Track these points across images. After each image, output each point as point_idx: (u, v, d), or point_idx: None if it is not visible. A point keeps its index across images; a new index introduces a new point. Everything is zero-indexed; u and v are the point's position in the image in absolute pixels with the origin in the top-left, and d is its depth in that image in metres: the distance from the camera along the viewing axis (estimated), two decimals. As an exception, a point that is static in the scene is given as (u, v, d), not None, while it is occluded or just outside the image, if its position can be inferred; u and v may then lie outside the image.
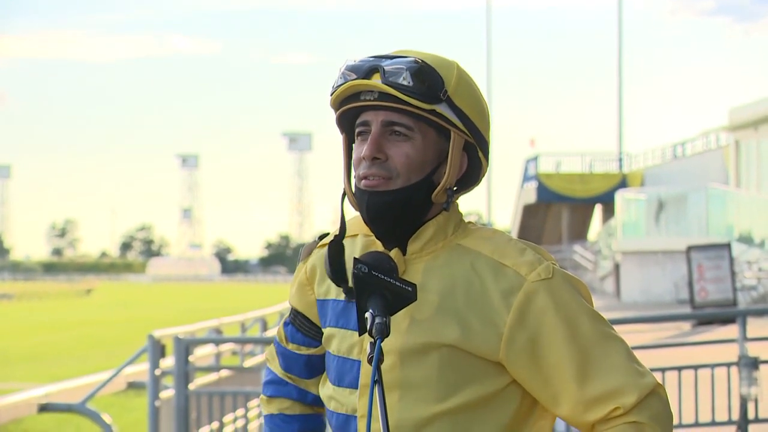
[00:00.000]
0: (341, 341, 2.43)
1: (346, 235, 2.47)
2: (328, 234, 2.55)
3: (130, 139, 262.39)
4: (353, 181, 2.42)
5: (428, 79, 2.35)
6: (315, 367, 2.58)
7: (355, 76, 2.37)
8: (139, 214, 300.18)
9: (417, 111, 2.35)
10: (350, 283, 2.40)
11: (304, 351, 2.58)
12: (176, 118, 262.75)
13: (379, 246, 2.42)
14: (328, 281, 2.48)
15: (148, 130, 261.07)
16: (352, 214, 2.49)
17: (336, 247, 2.41)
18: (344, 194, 2.44)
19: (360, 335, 2.27)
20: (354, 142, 2.44)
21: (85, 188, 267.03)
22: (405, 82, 2.34)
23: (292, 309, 2.60)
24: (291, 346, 2.60)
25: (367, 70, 2.37)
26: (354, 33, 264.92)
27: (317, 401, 2.61)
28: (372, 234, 2.44)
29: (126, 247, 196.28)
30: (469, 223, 2.46)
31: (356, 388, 2.40)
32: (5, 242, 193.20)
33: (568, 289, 2.36)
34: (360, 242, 2.47)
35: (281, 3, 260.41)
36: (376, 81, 2.35)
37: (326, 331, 2.48)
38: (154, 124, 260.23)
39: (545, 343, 2.33)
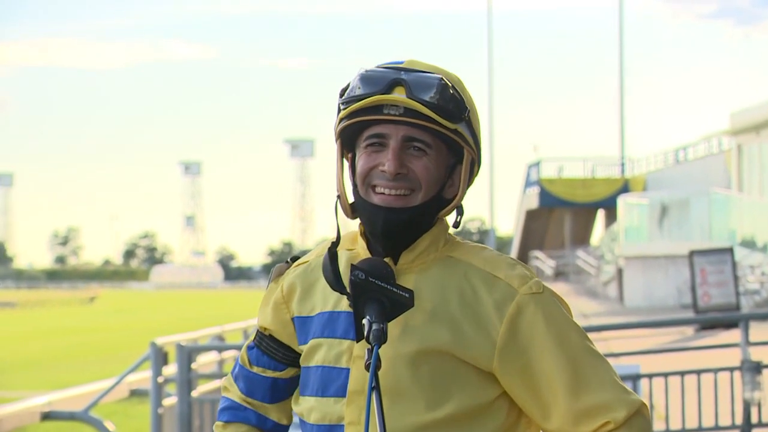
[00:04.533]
0: (328, 350, 2.42)
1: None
2: (299, 257, 2.54)
3: (132, 146, 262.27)
4: (348, 188, 2.42)
5: (454, 99, 2.36)
6: (279, 390, 2.56)
7: (376, 89, 2.35)
8: (141, 222, 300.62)
9: (441, 129, 2.35)
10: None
11: (270, 374, 2.55)
12: (177, 124, 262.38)
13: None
14: (314, 298, 2.47)
15: (149, 137, 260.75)
16: (346, 221, 2.48)
17: (334, 255, 2.40)
18: (337, 202, 2.44)
19: (357, 341, 2.27)
20: (350, 149, 2.44)
21: (88, 196, 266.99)
22: (434, 101, 2.33)
23: (258, 332, 2.57)
24: (256, 369, 2.56)
25: (390, 83, 2.35)
26: (353, 36, 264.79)
27: (276, 428, 2.58)
28: (354, 247, 2.45)
29: (129, 254, 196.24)
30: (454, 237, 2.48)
31: (343, 396, 2.39)
32: (8, 250, 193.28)
33: (557, 304, 2.40)
34: (344, 257, 2.46)
35: (279, 7, 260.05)
36: (401, 95, 2.34)
37: (309, 344, 2.46)
38: (155, 131, 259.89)
39: (536, 354, 2.35)
